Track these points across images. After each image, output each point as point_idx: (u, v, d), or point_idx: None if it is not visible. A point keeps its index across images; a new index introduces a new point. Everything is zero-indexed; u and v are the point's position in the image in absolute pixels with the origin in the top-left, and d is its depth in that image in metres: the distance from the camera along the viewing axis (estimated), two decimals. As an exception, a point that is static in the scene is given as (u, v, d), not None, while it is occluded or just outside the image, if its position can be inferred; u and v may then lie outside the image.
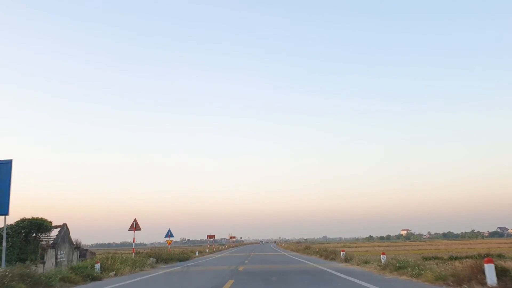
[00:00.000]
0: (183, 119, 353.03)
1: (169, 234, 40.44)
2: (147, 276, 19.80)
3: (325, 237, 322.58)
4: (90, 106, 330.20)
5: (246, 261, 31.23)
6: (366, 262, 22.38)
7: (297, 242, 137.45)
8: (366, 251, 54.71)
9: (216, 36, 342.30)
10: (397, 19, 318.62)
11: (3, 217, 15.54)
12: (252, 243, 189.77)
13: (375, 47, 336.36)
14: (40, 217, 23.81)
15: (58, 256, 25.92)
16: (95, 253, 40.81)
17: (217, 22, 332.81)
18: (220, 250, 71.45)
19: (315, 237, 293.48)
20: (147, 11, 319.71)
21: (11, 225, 22.51)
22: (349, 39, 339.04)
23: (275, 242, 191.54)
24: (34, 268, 17.14)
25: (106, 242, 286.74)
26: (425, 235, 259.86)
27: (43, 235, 25.00)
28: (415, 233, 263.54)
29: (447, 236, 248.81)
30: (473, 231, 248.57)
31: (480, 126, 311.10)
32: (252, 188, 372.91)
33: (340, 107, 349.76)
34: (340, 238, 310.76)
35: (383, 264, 18.70)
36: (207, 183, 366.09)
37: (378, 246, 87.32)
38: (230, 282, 15.00)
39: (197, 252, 50.96)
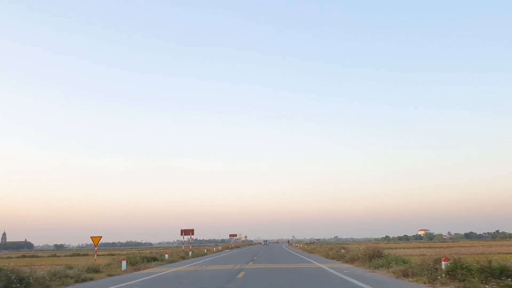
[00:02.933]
0: (191, 122, 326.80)
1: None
2: None
3: (336, 237, 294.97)
4: (91, 109, 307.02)
5: None
6: None
7: (311, 242, 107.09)
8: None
9: (225, 39, 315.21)
10: (412, 23, 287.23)
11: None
12: (261, 244, 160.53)
13: (384, 50, 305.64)
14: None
15: None
16: None
17: (226, 26, 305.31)
18: (203, 255, 41.82)
19: (326, 237, 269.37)
20: (149, 15, 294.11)
21: None
22: (356, 42, 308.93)
23: (288, 242, 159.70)
24: None
25: (111, 242, 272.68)
26: (445, 235, 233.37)
27: None
28: (434, 233, 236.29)
29: (469, 236, 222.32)
30: (497, 231, 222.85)
31: (504, 123, 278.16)
32: (262, 189, 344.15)
33: (353, 108, 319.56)
34: (352, 239, 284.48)
35: None
36: (218, 184, 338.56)
37: (441, 247, 56.80)
38: None
39: (123, 264, 21.43)
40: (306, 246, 56.46)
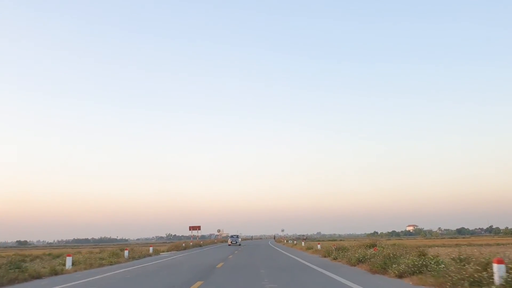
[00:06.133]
0: (176, 116, 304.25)
1: None
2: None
3: (319, 233, 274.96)
4: (69, 100, 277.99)
5: None
6: None
7: (303, 238, 78.55)
8: None
9: (212, 33, 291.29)
10: (397, 14, 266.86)
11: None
12: (244, 239, 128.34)
13: (374, 42, 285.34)
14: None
15: None
16: None
17: (209, 16, 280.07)
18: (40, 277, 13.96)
19: (308, 233, 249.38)
20: (144, 10, 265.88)
21: None
22: (347, 34, 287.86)
23: (274, 238, 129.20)
24: None
25: (83, 238, 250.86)
26: (436, 231, 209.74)
27: None
28: (424, 229, 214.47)
29: (461, 232, 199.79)
30: (491, 227, 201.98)
31: (494, 116, 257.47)
32: (244, 185, 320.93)
33: (338, 103, 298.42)
34: (338, 235, 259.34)
35: None
36: (201, 180, 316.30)
37: (470, 244, 32.33)
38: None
39: None
40: (319, 246, 27.67)
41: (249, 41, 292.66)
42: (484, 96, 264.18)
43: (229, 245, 53.75)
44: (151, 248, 29.49)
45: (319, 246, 27.56)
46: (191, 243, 50.56)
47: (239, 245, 54.39)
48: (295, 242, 43.24)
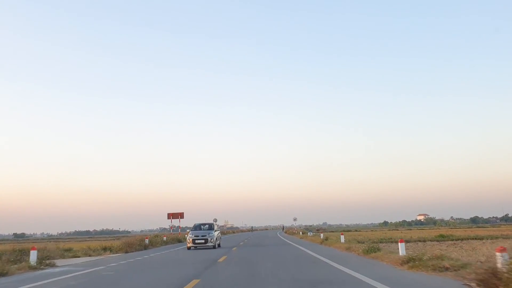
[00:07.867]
0: (175, 110, 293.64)
1: None
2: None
3: (325, 223, 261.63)
4: (66, 93, 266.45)
5: None
6: None
7: (317, 230, 63.07)
8: None
9: (207, 27, 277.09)
10: (390, 9, 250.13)
11: None
12: (244, 231, 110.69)
13: (364, 37, 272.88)
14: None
15: None
16: None
17: (204, 11, 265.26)
18: None
19: (314, 224, 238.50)
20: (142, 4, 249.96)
21: None
22: (337, 30, 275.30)
23: (283, 229, 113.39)
24: None
25: (85, 230, 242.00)
26: (448, 220, 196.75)
27: None
28: (435, 218, 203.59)
29: (475, 221, 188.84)
30: (506, 215, 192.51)
31: (508, 103, 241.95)
32: (249, 176, 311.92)
33: (343, 92, 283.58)
34: (346, 225, 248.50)
35: None
36: (204, 171, 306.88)
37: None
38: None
39: None
40: (402, 247, 10.93)
41: (243, 34, 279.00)
42: (495, 85, 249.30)
43: (189, 248, 24.18)
44: (33, 253, 12.47)
45: (402, 247, 11.19)
46: (164, 238, 33.45)
47: (215, 247, 24.55)
48: (321, 235, 26.31)
